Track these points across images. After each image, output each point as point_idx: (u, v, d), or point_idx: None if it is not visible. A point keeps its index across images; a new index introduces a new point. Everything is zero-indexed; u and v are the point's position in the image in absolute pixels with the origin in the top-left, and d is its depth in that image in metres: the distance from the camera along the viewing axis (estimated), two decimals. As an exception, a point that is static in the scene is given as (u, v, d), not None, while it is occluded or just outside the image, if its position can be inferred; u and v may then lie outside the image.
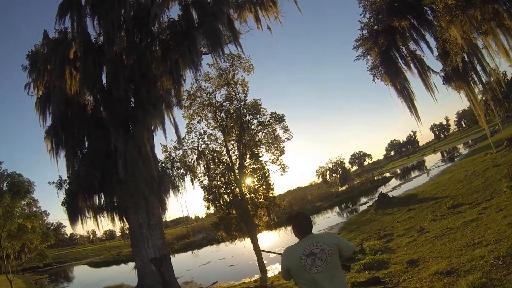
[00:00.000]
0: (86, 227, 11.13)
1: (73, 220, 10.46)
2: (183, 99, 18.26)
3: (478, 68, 12.52)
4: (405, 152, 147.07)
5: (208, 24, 11.31)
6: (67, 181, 10.86)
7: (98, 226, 10.86)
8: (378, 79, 14.18)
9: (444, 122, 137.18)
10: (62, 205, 10.59)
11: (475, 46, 11.01)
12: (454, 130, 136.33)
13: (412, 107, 13.66)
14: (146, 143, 10.31)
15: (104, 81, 10.71)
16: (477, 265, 5.63)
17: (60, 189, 10.72)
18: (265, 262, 17.37)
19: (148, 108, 10.27)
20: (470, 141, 58.23)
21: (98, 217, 10.97)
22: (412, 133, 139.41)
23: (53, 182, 10.78)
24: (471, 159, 27.71)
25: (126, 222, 10.87)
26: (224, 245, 34.37)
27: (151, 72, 10.73)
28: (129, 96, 10.46)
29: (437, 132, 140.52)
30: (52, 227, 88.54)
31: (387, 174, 67.73)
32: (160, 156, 19.90)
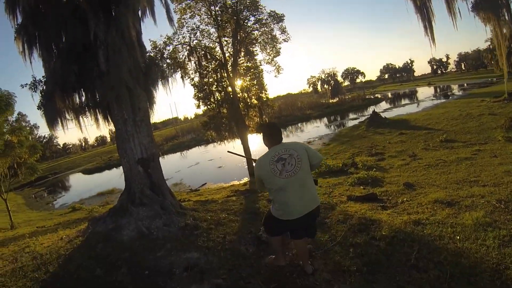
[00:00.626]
0: (67, 129, 10.02)
1: (51, 123, 9.05)
2: None
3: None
4: (399, 78, 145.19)
5: None
6: (43, 81, 9.30)
7: (80, 128, 9.48)
8: None
9: (444, 59, 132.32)
10: (38, 109, 9.26)
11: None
12: (452, 70, 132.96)
13: (429, 27, 12.28)
14: (131, 26, 8.65)
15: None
16: (478, 203, 5.44)
17: (35, 91, 9.30)
18: (254, 165, 17.88)
19: None
20: (465, 84, 57.19)
21: (81, 118, 9.41)
22: (409, 61, 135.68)
23: (26, 84, 9.35)
24: (466, 101, 27.46)
25: (111, 121, 9.73)
26: (213, 146, 35.26)
27: None
28: None
29: (434, 67, 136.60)
30: (44, 140, 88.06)
31: (378, 96, 67.57)
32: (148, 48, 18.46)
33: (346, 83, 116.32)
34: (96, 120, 9.53)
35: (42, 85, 9.27)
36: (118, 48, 8.54)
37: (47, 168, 56.70)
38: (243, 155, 3.87)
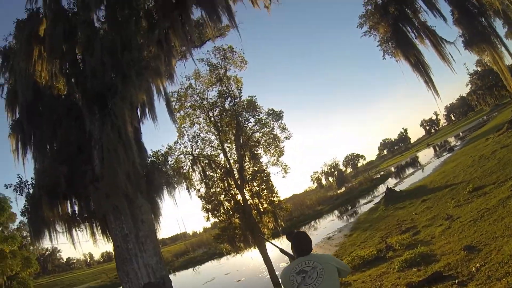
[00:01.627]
0: (56, 241, 8.22)
1: (37, 235, 7.80)
2: (172, 101, 17.06)
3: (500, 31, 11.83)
4: (398, 150, 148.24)
5: None
6: (29, 184, 8.22)
7: (73, 243, 8.17)
8: (388, 55, 13.32)
9: (434, 117, 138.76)
10: (21, 215, 7.92)
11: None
12: (444, 124, 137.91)
13: (429, 80, 12.73)
14: (128, 122, 8.04)
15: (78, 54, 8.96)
16: None
17: (22, 194, 8.10)
18: (277, 273, 15.85)
19: (130, 75, 8.14)
20: (460, 133, 58.51)
21: (74, 231, 8.22)
22: (403, 131, 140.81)
23: (11, 184, 8.16)
24: (472, 146, 27.07)
25: (109, 236, 8.19)
26: (226, 259, 32.75)
27: (135, 42, 8.71)
28: (107, 68, 8.27)
29: (427, 128, 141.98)
30: (47, 252, 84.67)
31: (383, 173, 67.24)
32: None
33: (349, 170, 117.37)
34: (93, 234, 8.36)
35: (28, 188, 8.18)
36: (113, 147, 7.76)
37: (48, 284, 51.35)
38: (287, 252, 3.26)
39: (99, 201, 7.67)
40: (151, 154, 15.53)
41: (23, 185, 8.23)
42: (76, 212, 8.43)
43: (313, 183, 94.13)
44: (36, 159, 8.38)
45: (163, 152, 15.49)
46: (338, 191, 64.06)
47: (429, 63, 12.84)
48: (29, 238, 22.98)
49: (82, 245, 8.49)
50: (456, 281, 5.18)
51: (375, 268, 8.97)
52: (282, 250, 3.75)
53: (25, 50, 8.78)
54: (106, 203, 7.58)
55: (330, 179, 77.09)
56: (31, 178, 8.26)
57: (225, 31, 14.92)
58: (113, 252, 8.34)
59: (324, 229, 30.39)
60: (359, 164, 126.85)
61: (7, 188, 8.30)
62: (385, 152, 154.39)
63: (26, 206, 8.00)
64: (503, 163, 13.89)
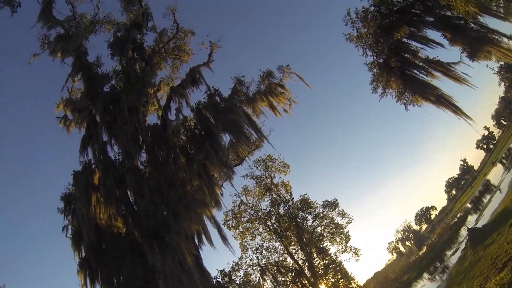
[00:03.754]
0: None
1: None
2: (228, 220, 17.88)
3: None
4: (465, 184, 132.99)
5: (225, 118, 11.42)
6: None
7: None
8: (410, 104, 13.70)
9: (486, 133, 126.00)
10: None
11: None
12: (499, 134, 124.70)
13: (456, 109, 12.65)
14: (186, 252, 9.04)
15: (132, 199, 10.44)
16: None
17: None
18: None
19: (179, 211, 9.43)
20: None
21: None
22: (462, 162, 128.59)
23: None
24: None
25: None
26: None
27: (178, 180, 10.32)
28: (158, 207, 9.71)
29: (485, 146, 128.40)
30: None
31: (460, 214, 60.55)
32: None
33: (424, 226, 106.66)
34: None
35: None
36: (177, 277, 8.63)
37: None
38: None
39: None
40: (217, 273, 15.84)
41: None
42: None
43: (392, 254, 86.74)
44: None
45: (228, 271, 15.85)
46: (420, 253, 58.24)
47: (450, 92, 13.13)
48: None
49: None
50: None
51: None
52: None
53: (84, 198, 10.36)
54: None
55: (408, 243, 70.95)
56: None
57: (260, 143, 15.26)
58: None
59: (420, 298, 27.11)
60: (432, 216, 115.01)
61: None
62: (453, 192, 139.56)
63: None
64: None
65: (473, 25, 11.66)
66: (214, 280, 10.76)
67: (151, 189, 9.84)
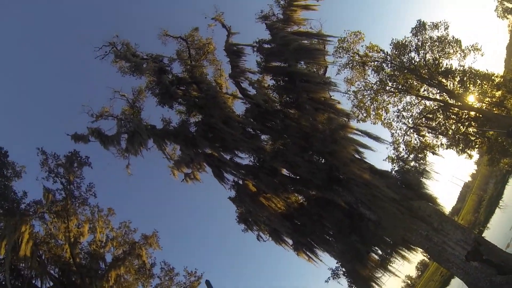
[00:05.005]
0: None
1: None
2: (358, 115, 17.84)
3: None
4: None
5: (288, 53, 11.49)
6: (339, 265, 11.37)
7: (395, 274, 10.55)
8: None
9: None
10: (349, 287, 11.19)
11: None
12: None
13: None
14: (361, 173, 9.71)
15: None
16: None
17: (338, 276, 11.51)
18: None
19: (332, 148, 10.22)
20: None
21: (389, 266, 10.40)
22: None
23: (329, 278, 11.88)
24: None
25: (417, 248, 9.59)
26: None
27: (307, 128, 10.97)
28: (312, 160, 10.63)
29: None
30: None
31: None
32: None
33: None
34: (403, 257, 10.03)
35: (340, 269, 11.36)
36: (370, 195, 9.39)
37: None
38: None
39: (392, 234, 9.26)
40: (389, 162, 15.87)
41: (336, 270, 11.82)
42: (382, 255, 10.35)
43: (506, 18, 73.36)
44: (327, 250, 11.08)
45: (392, 155, 15.86)
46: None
47: None
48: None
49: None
50: None
51: None
52: None
53: (257, 207, 11.72)
54: (398, 232, 8.98)
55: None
56: (336, 263, 11.61)
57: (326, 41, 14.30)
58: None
59: None
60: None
61: (327, 282, 12.02)
62: None
63: (349, 280, 11.12)
64: None
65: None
66: (393, 172, 11.35)
67: (296, 154, 10.43)
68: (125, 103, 14.60)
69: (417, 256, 10.41)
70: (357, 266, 10.19)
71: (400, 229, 8.96)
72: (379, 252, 10.39)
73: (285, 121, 11.11)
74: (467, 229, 9.49)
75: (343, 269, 10.97)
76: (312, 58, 11.86)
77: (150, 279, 17.65)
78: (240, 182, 12.29)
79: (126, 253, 17.50)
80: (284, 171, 11.45)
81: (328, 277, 11.70)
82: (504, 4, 68.15)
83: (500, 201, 33.20)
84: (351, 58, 17.24)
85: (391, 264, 10.24)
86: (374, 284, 10.14)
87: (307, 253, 11.46)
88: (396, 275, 10.56)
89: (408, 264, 10.42)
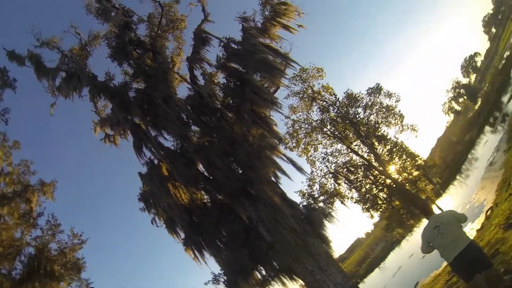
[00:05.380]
0: None
1: None
2: (288, 142, 18.67)
3: None
4: (502, 17, 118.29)
5: (252, 61, 11.45)
6: (222, 273, 10.92)
7: None
8: None
9: None
10: None
11: None
12: None
13: None
14: (273, 195, 9.90)
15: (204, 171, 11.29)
16: None
17: (219, 283, 10.93)
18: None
19: (253, 164, 10.10)
20: None
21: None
22: None
23: (209, 281, 11.14)
24: None
25: (297, 278, 10.16)
26: (406, 242, 31.39)
27: (237, 135, 10.92)
28: (232, 167, 10.59)
29: None
30: None
31: (507, 53, 56.36)
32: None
33: (473, 77, 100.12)
34: (283, 284, 10.30)
35: (222, 277, 10.76)
36: (273, 218, 9.65)
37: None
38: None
39: (281, 260, 9.73)
40: (299, 196, 16.97)
41: (217, 277, 11.01)
42: (265, 275, 10.53)
43: (448, 115, 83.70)
44: (214, 255, 10.97)
45: (306, 190, 16.85)
46: (476, 107, 56.28)
47: None
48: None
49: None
50: None
51: None
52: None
53: (163, 191, 11.39)
54: (287, 259, 9.56)
55: (461, 100, 68.60)
56: (220, 270, 11.00)
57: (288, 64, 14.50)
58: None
59: (483, 156, 27.10)
60: (479, 63, 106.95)
61: (206, 284, 11.15)
62: (493, 30, 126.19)
63: None
64: None
65: None
66: (301, 205, 12.04)
67: (219, 156, 10.49)
68: (77, 42, 13.55)
69: (295, 287, 11.03)
70: (239, 279, 10.43)
71: (290, 258, 9.47)
72: (263, 272, 10.79)
73: (220, 121, 11.19)
74: (348, 276, 10.46)
75: (225, 278, 11.19)
76: (270, 74, 12.06)
77: (32, 229, 16.42)
78: (156, 162, 12.01)
79: (16, 194, 16.12)
80: (201, 168, 11.47)
81: (209, 281, 11.76)
82: (451, 104, 76.44)
83: (382, 263, 37.18)
84: (305, 89, 18.23)
85: (270, 287, 10.66)
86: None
87: (195, 251, 11.49)
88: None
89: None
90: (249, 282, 10.57)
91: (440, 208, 17.59)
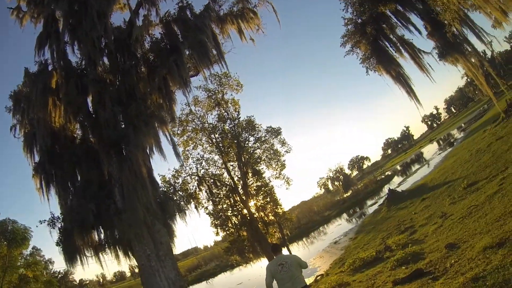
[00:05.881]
0: (87, 267, 9.67)
1: (71, 261, 9.18)
2: (175, 126, 18.08)
3: (471, 39, 12.29)
4: (402, 148, 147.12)
5: (193, 37, 11.01)
6: (61, 218, 9.63)
7: (101, 265, 9.62)
8: (371, 70, 14.08)
9: (434, 112, 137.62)
10: (56, 245, 9.33)
11: (466, 15, 10.94)
12: (446, 117, 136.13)
13: (410, 91, 13.49)
14: (142, 165, 9.38)
15: (90, 106, 10.10)
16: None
17: (54, 228, 9.58)
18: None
19: (139, 125, 9.52)
20: (463, 124, 59.00)
21: (100, 254, 9.62)
22: (405, 128, 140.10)
23: (45, 220, 9.67)
24: (471, 139, 27.22)
25: (132, 257, 9.63)
26: (239, 270, 33.32)
27: (138, 92, 10.11)
28: (117, 118, 9.67)
29: (429, 123, 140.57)
30: (59, 275, 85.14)
31: (389, 173, 67.38)
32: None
33: (355, 173, 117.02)
34: (117, 256, 9.60)
35: (60, 222, 9.56)
36: (132, 186, 9.09)
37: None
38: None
39: (124, 230, 9.08)
40: (161, 182, 16.43)
41: (55, 220, 9.67)
42: (103, 239, 9.71)
43: (320, 189, 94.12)
44: (60, 196, 9.71)
45: (170, 179, 16.37)
46: (345, 195, 64.23)
47: (410, 74, 13.59)
48: (43, 263, 24.15)
49: (89, 263, 9.61)
50: (432, 276, 6.00)
51: (372, 269, 9.74)
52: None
53: (41, 100, 9.93)
54: (130, 232, 9.03)
55: (336, 183, 77.62)
56: (61, 214, 9.65)
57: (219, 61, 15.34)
58: (125, 271, 9.80)
59: (332, 234, 30.94)
60: (365, 166, 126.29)
61: (41, 223, 9.69)
62: (389, 151, 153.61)
63: (60, 237, 9.38)
64: (496, 156, 14.26)
65: (454, 30, 11.69)
66: (161, 189, 11.53)
67: (112, 99, 9.61)
68: None
69: (125, 266, 10.21)
70: (75, 231, 9.22)
71: (133, 233, 8.88)
72: (102, 236, 9.85)
73: (131, 69, 10.30)
74: (181, 275, 10.20)
75: (62, 224, 9.72)
76: (200, 59, 11.52)
77: None
78: (49, 68, 10.40)
79: None
80: (89, 101, 10.23)
81: (45, 220, 9.88)
82: (327, 182, 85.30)
83: (211, 279, 38.60)
84: (217, 92, 18.43)
85: (103, 253, 9.75)
86: (78, 257, 9.34)
87: (43, 182, 9.95)
88: (101, 265, 9.77)
89: (116, 265, 10.06)
90: (84, 240, 9.53)
91: (289, 251, 19.53)
